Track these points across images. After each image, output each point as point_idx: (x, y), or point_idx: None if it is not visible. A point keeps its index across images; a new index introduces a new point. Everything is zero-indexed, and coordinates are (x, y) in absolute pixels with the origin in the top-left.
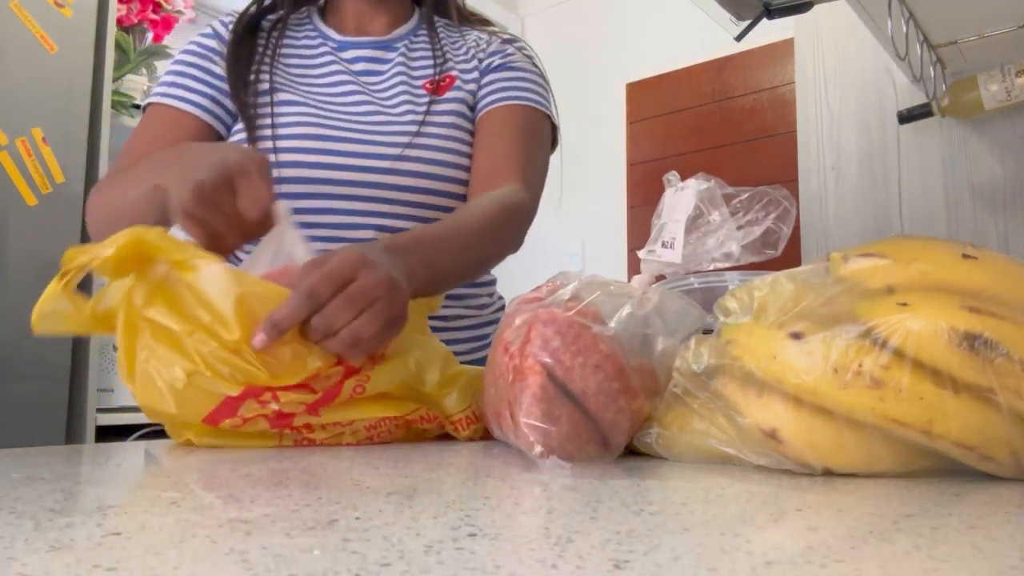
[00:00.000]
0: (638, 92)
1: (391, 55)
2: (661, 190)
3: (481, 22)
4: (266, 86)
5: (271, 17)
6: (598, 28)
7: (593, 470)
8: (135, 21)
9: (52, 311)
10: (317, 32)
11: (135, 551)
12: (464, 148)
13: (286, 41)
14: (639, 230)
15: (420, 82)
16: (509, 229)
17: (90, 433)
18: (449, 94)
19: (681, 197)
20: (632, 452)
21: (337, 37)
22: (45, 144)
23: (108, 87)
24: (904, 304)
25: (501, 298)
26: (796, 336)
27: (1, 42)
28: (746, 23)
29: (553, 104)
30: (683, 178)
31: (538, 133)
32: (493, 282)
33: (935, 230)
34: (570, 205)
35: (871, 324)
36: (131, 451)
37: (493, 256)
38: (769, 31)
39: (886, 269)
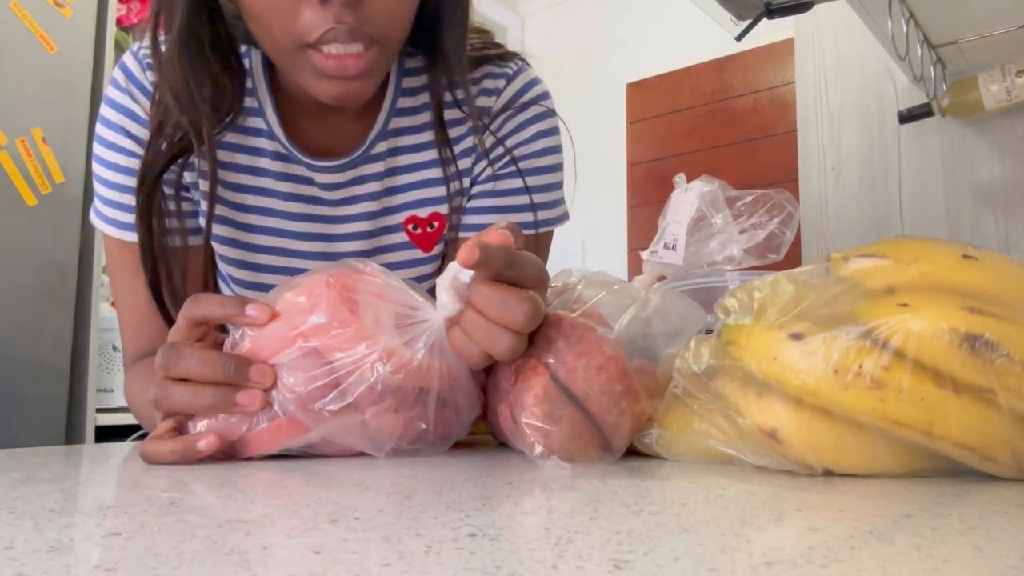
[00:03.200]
0: (638, 92)
1: (373, 168)
2: (661, 190)
3: (486, 57)
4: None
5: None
6: (598, 28)
7: (593, 470)
8: (135, 21)
9: None
10: (274, 141)
11: (135, 551)
12: None
13: (228, 155)
14: (639, 230)
15: (401, 216)
16: None
17: (90, 433)
18: (436, 248)
19: (684, 199)
20: (632, 452)
21: (304, 159)
22: (45, 144)
23: None
24: (905, 305)
25: None
26: (796, 337)
27: (1, 42)
28: (746, 23)
29: (559, 203)
30: (686, 179)
31: (539, 254)
32: None
33: (935, 230)
34: (570, 205)
35: (872, 325)
36: (131, 451)
37: None
38: (769, 31)
39: (886, 270)
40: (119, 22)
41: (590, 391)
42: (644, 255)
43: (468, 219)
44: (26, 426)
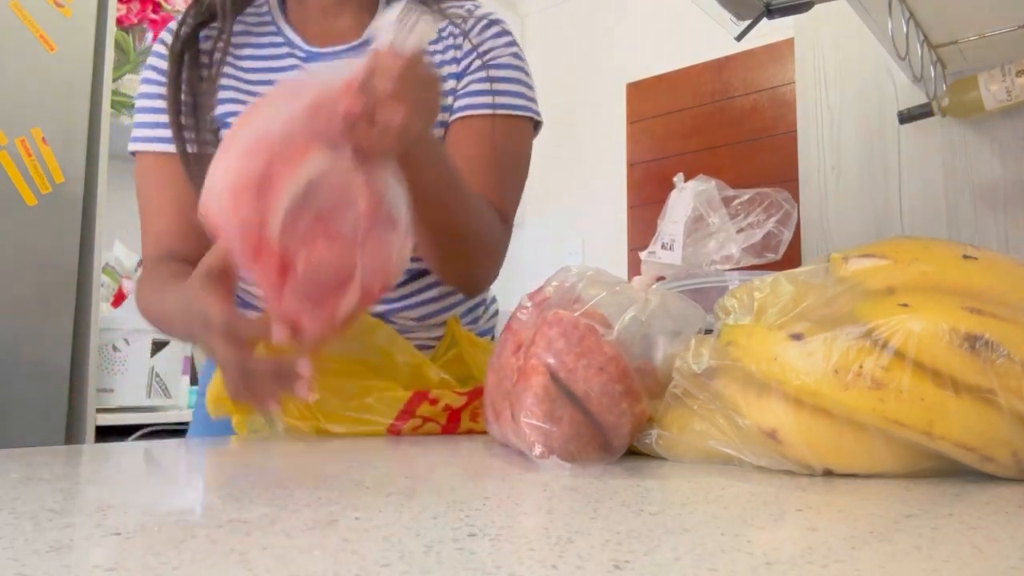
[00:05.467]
0: (638, 92)
1: None
2: (661, 190)
3: None
4: (223, 109)
5: (214, 25)
6: (598, 28)
7: (593, 470)
8: (135, 21)
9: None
10: (282, 37)
11: (135, 551)
12: None
13: (247, 51)
14: (639, 230)
15: None
16: (493, 243)
17: (90, 433)
18: None
19: (680, 199)
20: (632, 452)
21: (305, 47)
22: (45, 144)
23: (108, 87)
24: (905, 305)
25: (495, 305)
26: (797, 337)
27: (1, 42)
28: (746, 23)
29: (534, 100)
30: (685, 179)
31: (518, 144)
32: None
33: (935, 230)
34: (570, 205)
35: (872, 325)
36: (131, 451)
37: (474, 249)
38: (769, 31)
39: (887, 270)
40: (119, 22)
41: (590, 391)
42: (642, 256)
43: (464, 94)
44: (26, 426)
